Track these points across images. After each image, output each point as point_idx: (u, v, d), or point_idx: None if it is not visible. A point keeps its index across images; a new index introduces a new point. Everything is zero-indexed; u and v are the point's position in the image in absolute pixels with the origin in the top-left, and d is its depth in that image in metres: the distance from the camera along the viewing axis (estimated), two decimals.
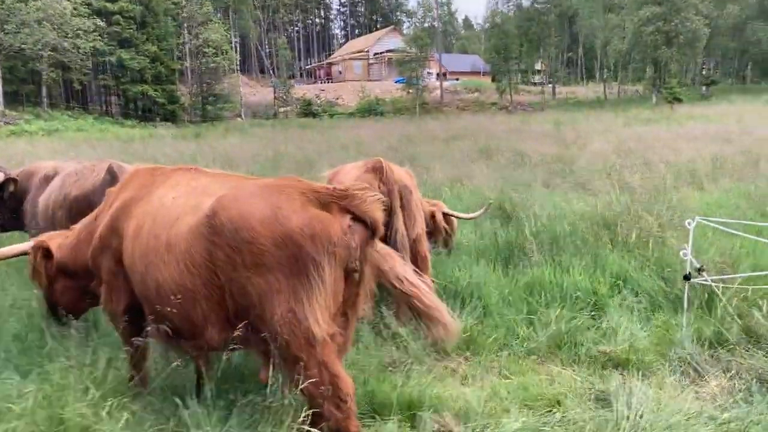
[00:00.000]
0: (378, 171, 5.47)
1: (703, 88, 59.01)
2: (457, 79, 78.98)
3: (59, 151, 23.57)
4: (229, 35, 64.25)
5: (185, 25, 60.85)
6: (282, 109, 66.70)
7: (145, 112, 57.01)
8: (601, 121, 35.56)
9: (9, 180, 6.77)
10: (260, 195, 3.26)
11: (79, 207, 5.50)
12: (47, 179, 6.42)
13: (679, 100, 50.86)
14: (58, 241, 4.42)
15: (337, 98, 71.97)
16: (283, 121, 55.89)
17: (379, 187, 5.44)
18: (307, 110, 64.18)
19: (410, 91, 66.54)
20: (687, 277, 4.62)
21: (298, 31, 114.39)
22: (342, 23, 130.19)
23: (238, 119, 60.77)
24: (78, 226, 4.45)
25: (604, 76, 70.20)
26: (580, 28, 72.73)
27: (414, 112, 61.97)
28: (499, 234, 6.89)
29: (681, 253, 4.68)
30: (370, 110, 63.27)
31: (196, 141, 30.96)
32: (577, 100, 67.50)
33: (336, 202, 3.23)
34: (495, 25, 65.04)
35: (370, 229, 3.26)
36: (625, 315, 5.06)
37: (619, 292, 5.50)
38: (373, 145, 24.36)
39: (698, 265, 4.61)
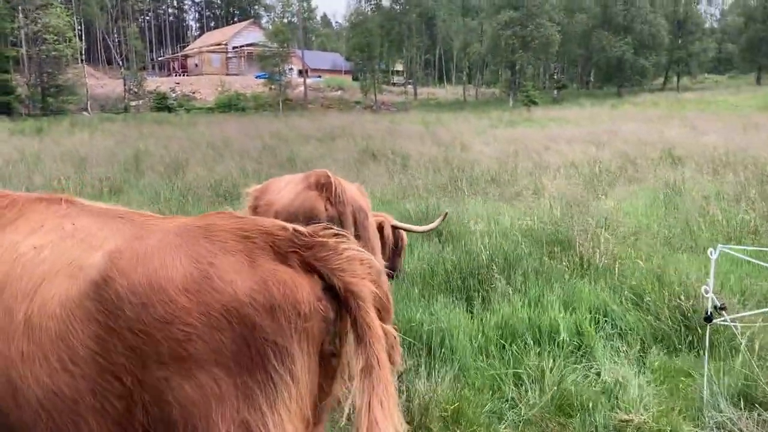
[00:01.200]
0: (325, 188, 4.26)
1: (555, 91, 62.26)
2: (320, 77, 77.99)
3: None
4: (72, 21, 58.77)
5: (20, 8, 54.81)
6: (133, 103, 62.23)
7: None
8: (467, 122, 36.07)
9: None
10: (178, 245, 2.12)
11: None
12: None
13: (535, 103, 53.18)
14: None
15: (194, 92, 68.48)
16: (135, 116, 51.97)
17: (327, 210, 4.27)
18: (162, 104, 60.36)
19: (272, 87, 64.71)
20: (708, 319, 3.89)
21: (149, 21, 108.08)
22: (197, 15, 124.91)
23: (84, 113, 55.76)
24: None
25: (463, 79, 72.14)
26: (438, 30, 74.22)
27: (277, 108, 60.29)
28: (446, 258, 5.90)
29: (702, 289, 3.94)
30: (230, 105, 60.82)
31: (39, 137, 27.62)
32: (438, 101, 68.87)
33: (298, 251, 2.12)
34: (358, 23, 64.63)
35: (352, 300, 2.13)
36: (619, 361, 4.28)
37: (600, 329, 4.74)
38: (244, 143, 22.78)
39: (719, 303, 3.90)
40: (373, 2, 67.45)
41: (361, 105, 64.26)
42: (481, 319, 4.70)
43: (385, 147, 19.96)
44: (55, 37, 52.93)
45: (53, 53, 53.16)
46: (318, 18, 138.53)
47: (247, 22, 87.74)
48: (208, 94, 67.36)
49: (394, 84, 77.80)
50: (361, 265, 2.16)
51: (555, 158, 15.97)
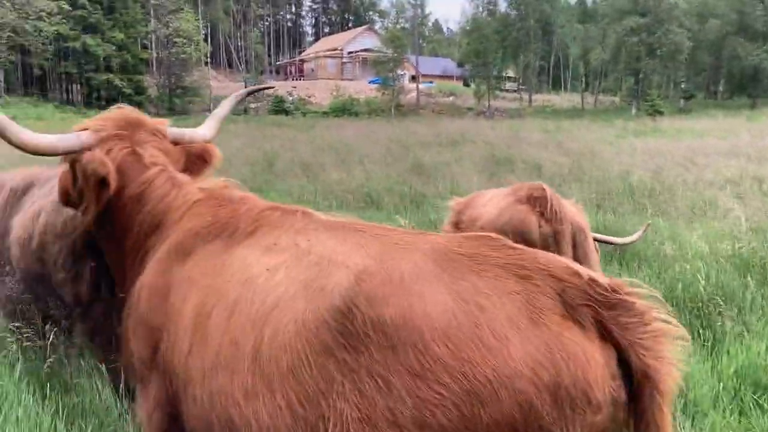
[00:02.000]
0: (538, 202, 3.74)
1: (682, 101, 58.84)
2: (431, 82, 77.66)
3: None
4: (199, 25, 61.55)
5: (154, 12, 58.00)
6: (253, 105, 64.26)
7: (109, 103, 53.26)
8: (590, 130, 34.46)
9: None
10: (438, 275, 1.69)
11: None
12: (15, 195, 4.30)
13: (660, 113, 50.37)
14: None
15: (310, 96, 69.88)
16: (254, 118, 53.62)
17: (540, 226, 3.72)
18: (279, 107, 62.03)
19: (385, 92, 64.99)
20: None
21: (268, 26, 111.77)
22: (313, 20, 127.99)
23: (207, 113, 58.02)
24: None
25: (580, 86, 69.68)
26: (555, 36, 71.99)
27: (389, 113, 60.48)
28: (651, 283, 5.19)
29: None
30: (344, 110, 61.57)
31: None
32: (554, 108, 66.84)
33: (594, 308, 1.61)
34: (474, 29, 63.82)
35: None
36: None
37: None
38: (365, 148, 22.55)
39: None
40: (489, 8, 66.52)
41: (474, 111, 63.40)
42: (713, 365, 3.99)
43: (512, 154, 19.20)
44: (185, 41, 55.54)
45: (182, 56, 55.81)
46: (430, 24, 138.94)
47: (363, 27, 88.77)
48: (323, 98, 68.58)
49: (506, 90, 76.33)
50: (671, 346, 1.66)
51: (707, 173, 14.68)
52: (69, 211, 3.31)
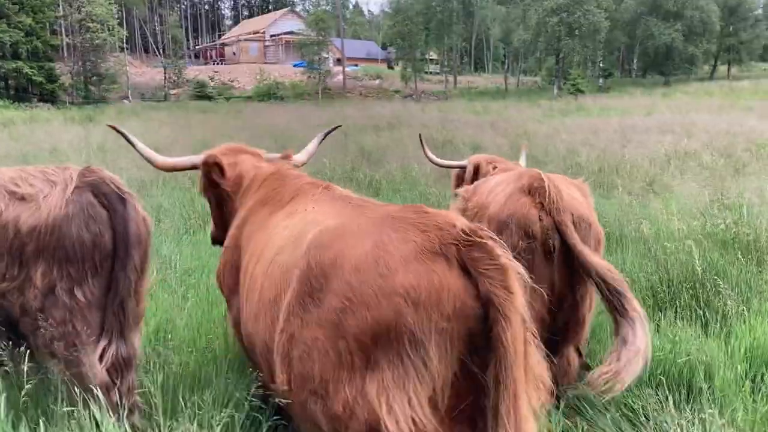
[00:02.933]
0: (538, 194, 3.62)
1: (600, 80, 60.69)
2: (356, 65, 77.22)
3: None
4: (113, 9, 58.71)
5: None
6: (173, 92, 62.15)
7: (19, 92, 50.96)
8: (519, 111, 35.05)
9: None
10: (369, 231, 2.46)
11: (41, 244, 3.32)
12: None
13: (581, 92, 51.83)
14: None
15: (232, 80, 68.18)
16: (176, 104, 51.86)
17: (540, 219, 3.60)
18: (201, 93, 60.21)
19: (311, 75, 64.18)
20: None
21: (185, 10, 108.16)
22: (231, 3, 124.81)
23: (125, 101, 55.75)
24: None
25: (505, 67, 70.85)
26: (475, 18, 72.63)
27: (316, 97, 59.81)
28: (635, 267, 5.17)
29: None
30: (269, 94, 60.35)
31: (91, 124, 27.33)
32: (478, 89, 67.72)
33: (458, 247, 2.29)
34: (398, 11, 63.67)
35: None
36: None
37: None
38: (303, 133, 22.01)
39: None
40: None
41: (401, 94, 63.47)
42: (725, 342, 4.00)
43: (452, 136, 19.22)
44: (98, 26, 52.90)
45: (96, 42, 53.16)
46: (351, 6, 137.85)
47: (285, 10, 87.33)
48: (246, 82, 67.01)
49: (429, 73, 76.63)
50: (512, 278, 2.21)
51: (643, 150, 15.09)
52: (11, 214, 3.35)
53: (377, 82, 70.71)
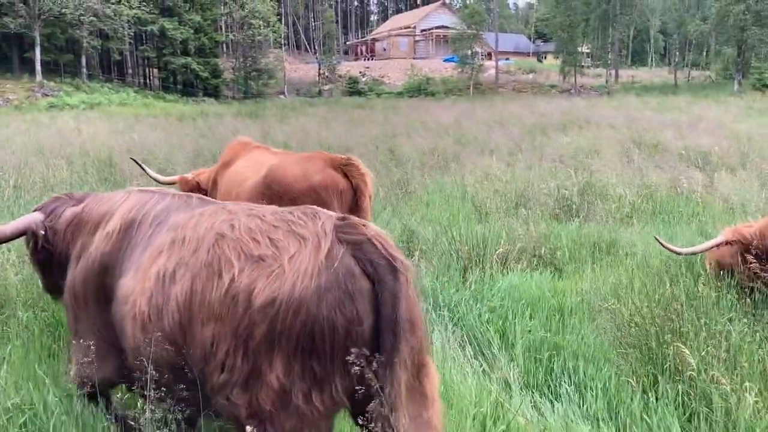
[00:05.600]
0: None
1: None
2: (508, 59, 74.63)
3: (115, 132, 20.16)
4: (275, 6, 60.21)
5: None
6: (326, 87, 62.97)
7: (186, 87, 53.38)
8: (708, 109, 31.27)
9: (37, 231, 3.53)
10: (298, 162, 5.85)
11: (279, 326, 2.40)
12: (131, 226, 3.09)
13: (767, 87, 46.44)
14: None
15: (383, 76, 68.00)
16: (330, 100, 52.15)
17: None
18: (353, 88, 60.53)
19: (462, 70, 62.47)
20: None
21: (334, 6, 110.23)
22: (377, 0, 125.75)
23: (281, 96, 57.12)
24: None
25: (676, 60, 65.39)
26: (634, 9, 67.16)
27: (467, 93, 58.19)
28: None
29: None
30: (419, 90, 59.55)
31: (258, 120, 27.38)
32: (643, 85, 62.94)
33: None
34: (561, 1, 60.33)
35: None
36: None
37: None
38: (491, 134, 20.31)
39: None
40: None
41: (558, 89, 60.33)
42: None
43: (662, 139, 16.89)
44: (261, 22, 54.33)
45: (258, 38, 54.65)
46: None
47: (436, 4, 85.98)
48: (397, 78, 66.60)
49: (584, 66, 72.39)
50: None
51: None
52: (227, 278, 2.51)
53: (530, 76, 67.85)
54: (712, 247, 5.32)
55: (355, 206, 5.55)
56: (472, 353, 4.10)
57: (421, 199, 9.35)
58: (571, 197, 9.28)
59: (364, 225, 2.56)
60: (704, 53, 66.17)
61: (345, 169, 5.60)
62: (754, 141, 16.37)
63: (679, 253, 5.54)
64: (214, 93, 53.12)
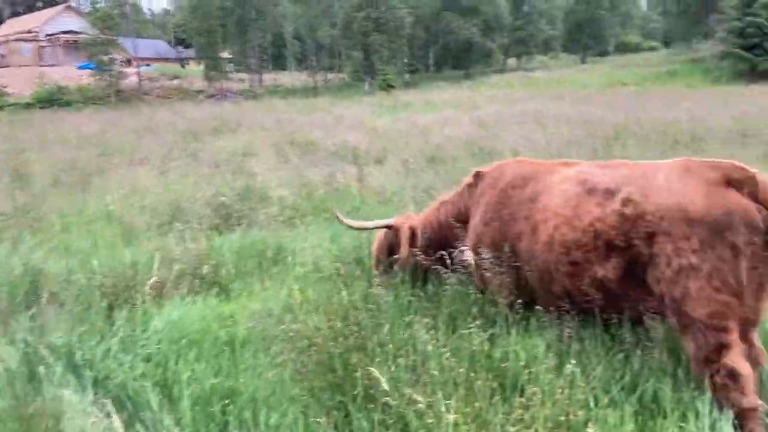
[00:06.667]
0: (746, 186, 3.25)
1: (407, 75, 61.71)
2: (149, 65, 71.42)
3: None
4: None
5: None
6: None
7: None
8: (347, 108, 33.56)
9: None
10: None
11: None
12: None
13: (392, 87, 52.10)
14: None
15: (5, 86, 59.42)
16: None
17: (759, 212, 3.21)
18: None
19: (100, 77, 57.89)
20: None
21: None
22: None
23: None
24: None
25: (312, 64, 69.44)
26: (267, 16, 69.83)
27: (109, 101, 54.11)
28: None
29: None
30: (52, 100, 53.58)
31: None
32: (286, 88, 65.64)
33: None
34: (198, 7, 59.50)
35: None
36: None
37: None
38: (142, 146, 18.48)
39: None
40: None
41: (204, 94, 59.59)
42: None
43: (313, 138, 17.33)
44: None
45: None
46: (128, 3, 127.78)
47: (61, 6, 78.15)
48: (23, 87, 58.70)
49: (227, 71, 72.86)
50: None
51: (522, 140, 14.45)
52: None
53: (175, 82, 65.88)
54: (381, 227, 5.60)
55: None
56: (124, 421, 3.18)
57: (53, 226, 7.80)
58: (231, 204, 8.71)
59: None
60: (337, 57, 71.35)
61: None
62: (390, 134, 17.78)
63: (350, 227, 5.79)
64: None
